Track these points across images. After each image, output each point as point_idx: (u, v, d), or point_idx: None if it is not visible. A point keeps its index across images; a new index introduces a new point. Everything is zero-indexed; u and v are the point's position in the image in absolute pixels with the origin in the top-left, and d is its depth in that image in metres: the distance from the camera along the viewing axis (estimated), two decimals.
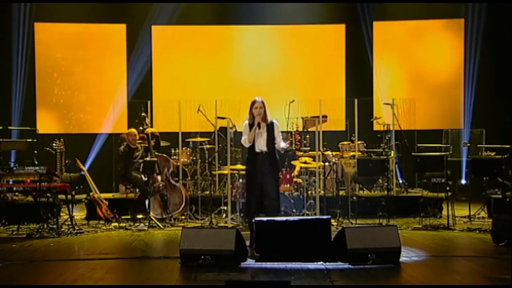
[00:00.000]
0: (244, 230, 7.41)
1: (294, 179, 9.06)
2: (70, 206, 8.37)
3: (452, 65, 12.74)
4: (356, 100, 10.36)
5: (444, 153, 9.11)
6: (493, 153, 9.81)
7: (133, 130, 9.33)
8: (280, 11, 12.67)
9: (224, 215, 8.93)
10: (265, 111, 6.94)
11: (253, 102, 6.96)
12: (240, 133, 7.19)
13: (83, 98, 12.53)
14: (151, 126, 9.83)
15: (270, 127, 6.97)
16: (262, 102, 6.94)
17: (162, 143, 9.62)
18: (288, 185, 8.95)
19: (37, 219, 8.09)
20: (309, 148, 9.97)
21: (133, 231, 8.17)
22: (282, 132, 9.23)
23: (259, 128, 6.90)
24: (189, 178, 9.97)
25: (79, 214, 9.60)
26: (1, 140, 9.28)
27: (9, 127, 11.19)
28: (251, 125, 6.97)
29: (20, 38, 12.15)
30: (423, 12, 12.66)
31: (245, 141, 7.03)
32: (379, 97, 11.91)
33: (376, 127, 11.08)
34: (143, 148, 9.28)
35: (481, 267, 5.79)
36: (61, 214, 8.59)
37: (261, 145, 6.93)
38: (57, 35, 12.52)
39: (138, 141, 9.30)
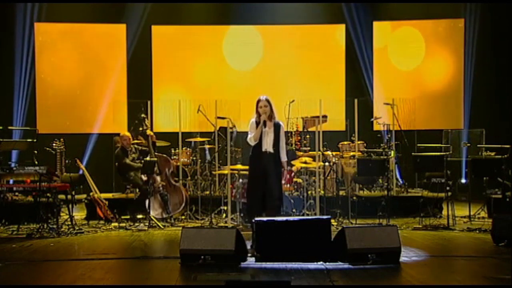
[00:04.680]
0: (244, 230, 7.40)
1: (294, 179, 9.06)
2: (70, 206, 8.38)
3: (452, 65, 12.73)
4: (356, 100, 10.36)
5: (444, 153, 9.11)
6: (493, 153, 9.81)
7: (126, 133, 9.41)
8: (280, 11, 12.66)
9: (224, 215, 8.92)
10: (271, 109, 6.97)
11: (258, 101, 7.00)
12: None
13: (83, 98, 12.51)
14: (151, 127, 9.84)
15: (277, 127, 7.01)
16: (267, 100, 6.96)
17: (163, 143, 9.63)
18: (288, 185, 8.95)
19: (37, 219, 8.08)
20: (309, 148, 9.98)
21: (133, 231, 8.17)
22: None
23: (265, 126, 6.90)
24: (189, 178, 9.97)
25: (79, 214, 9.60)
26: (1, 140, 9.28)
27: (9, 127, 11.18)
28: (257, 123, 6.97)
29: (22, 38, 12.14)
30: (423, 12, 12.65)
31: (250, 139, 7.03)
32: (379, 97, 11.89)
33: (376, 127, 11.08)
34: (138, 151, 9.33)
35: (481, 267, 5.80)
36: (61, 214, 8.59)
37: (267, 145, 6.96)
38: (57, 35, 12.52)
39: (132, 144, 9.36)
